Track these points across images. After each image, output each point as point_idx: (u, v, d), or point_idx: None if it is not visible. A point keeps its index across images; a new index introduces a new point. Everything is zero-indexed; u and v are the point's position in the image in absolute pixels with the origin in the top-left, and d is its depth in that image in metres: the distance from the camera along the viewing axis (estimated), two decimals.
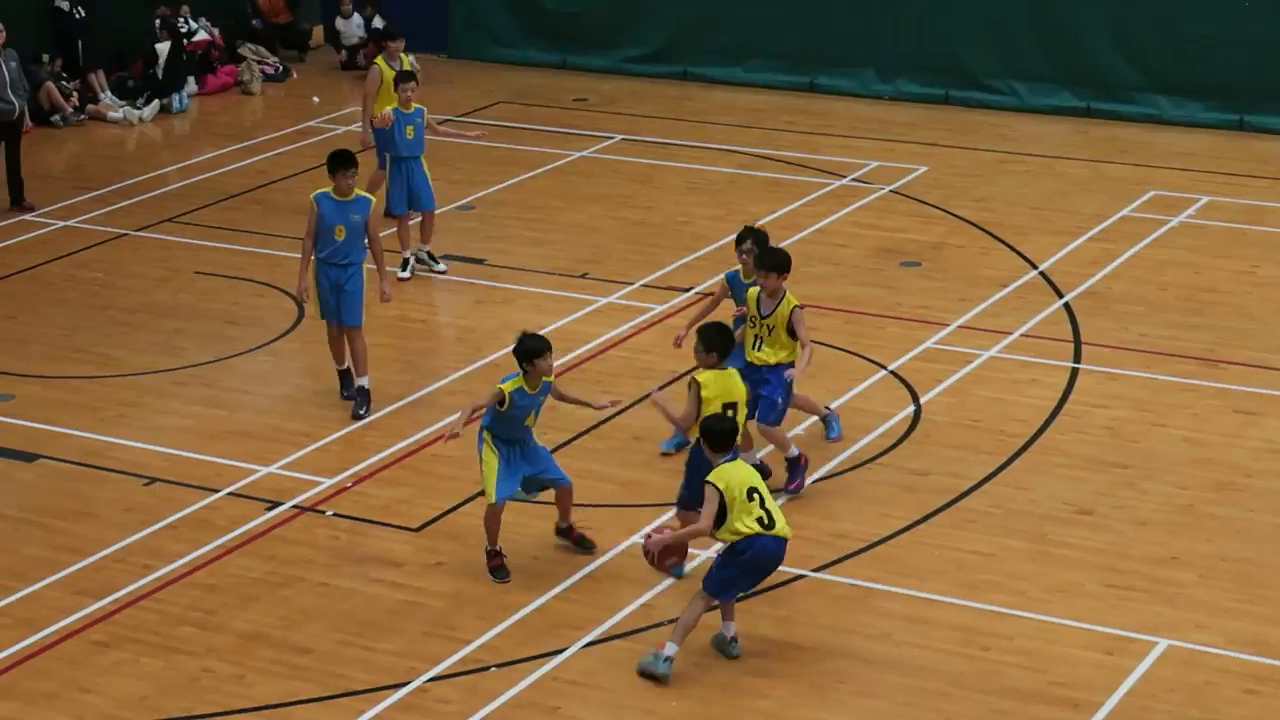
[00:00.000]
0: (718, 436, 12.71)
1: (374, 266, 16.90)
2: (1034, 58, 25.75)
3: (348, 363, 16.93)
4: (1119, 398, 16.82)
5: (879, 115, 25.89)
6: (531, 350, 13.77)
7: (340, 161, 16.53)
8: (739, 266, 15.54)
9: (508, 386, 13.75)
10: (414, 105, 19.88)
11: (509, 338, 18.04)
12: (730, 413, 13.57)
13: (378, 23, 28.69)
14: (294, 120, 26.35)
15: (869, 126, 25.32)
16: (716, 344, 13.78)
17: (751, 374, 14.66)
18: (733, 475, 12.46)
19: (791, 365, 14.83)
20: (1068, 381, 17.14)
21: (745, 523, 12.41)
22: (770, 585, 13.40)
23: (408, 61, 21.42)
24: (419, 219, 20.22)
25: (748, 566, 12.58)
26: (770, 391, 14.81)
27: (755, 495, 12.45)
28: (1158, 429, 16.23)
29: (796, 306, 14.88)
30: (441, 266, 20.07)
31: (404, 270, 19.87)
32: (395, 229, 19.97)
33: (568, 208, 22.05)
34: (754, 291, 15.02)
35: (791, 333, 14.82)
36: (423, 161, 19.96)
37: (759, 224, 17.54)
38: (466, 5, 29.04)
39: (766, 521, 12.44)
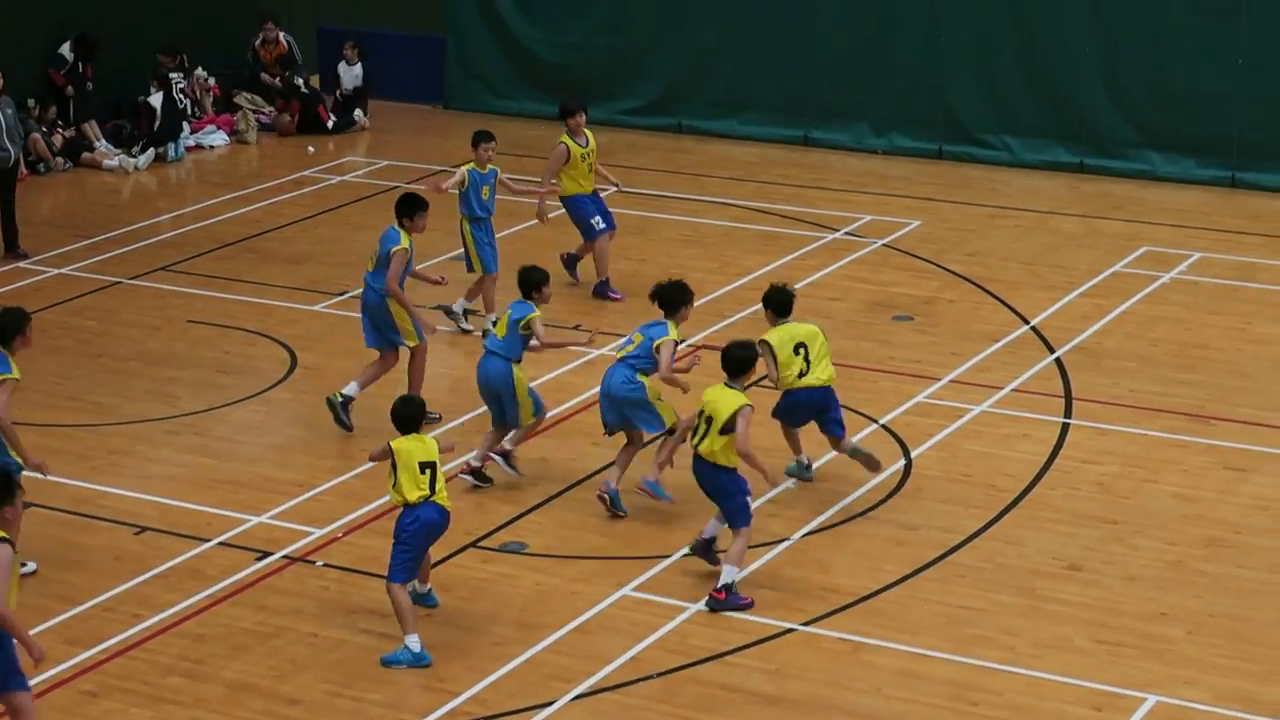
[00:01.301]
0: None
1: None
2: (1027, 113, 25.84)
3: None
4: (1110, 453, 16.84)
5: (873, 169, 25.97)
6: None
7: (419, 204, 17.29)
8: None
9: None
10: (489, 165, 19.80)
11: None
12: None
13: (358, 73, 28.76)
14: (289, 169, 26.41)
15: (863, 180, 25.40)
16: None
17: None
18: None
19: None
20: (1059, 436, 17.17)
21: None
22: (761, 638, 13.40)
23: (592, 138, 21.11)
24: (473, 276, 19.89)
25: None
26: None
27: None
28: (1148, 485, 16.25)
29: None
30: (469, 326, 19.94)
31: (464, 320, 19.86)
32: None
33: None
34: None
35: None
36: (491, 222, 19.94)
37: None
38: (463, 56, 29.14)
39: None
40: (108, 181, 26.11)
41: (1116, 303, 20.54)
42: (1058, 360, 18.94)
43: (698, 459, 14.45)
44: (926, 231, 23.13)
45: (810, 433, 16.12)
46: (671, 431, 15.68)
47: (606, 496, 15.77)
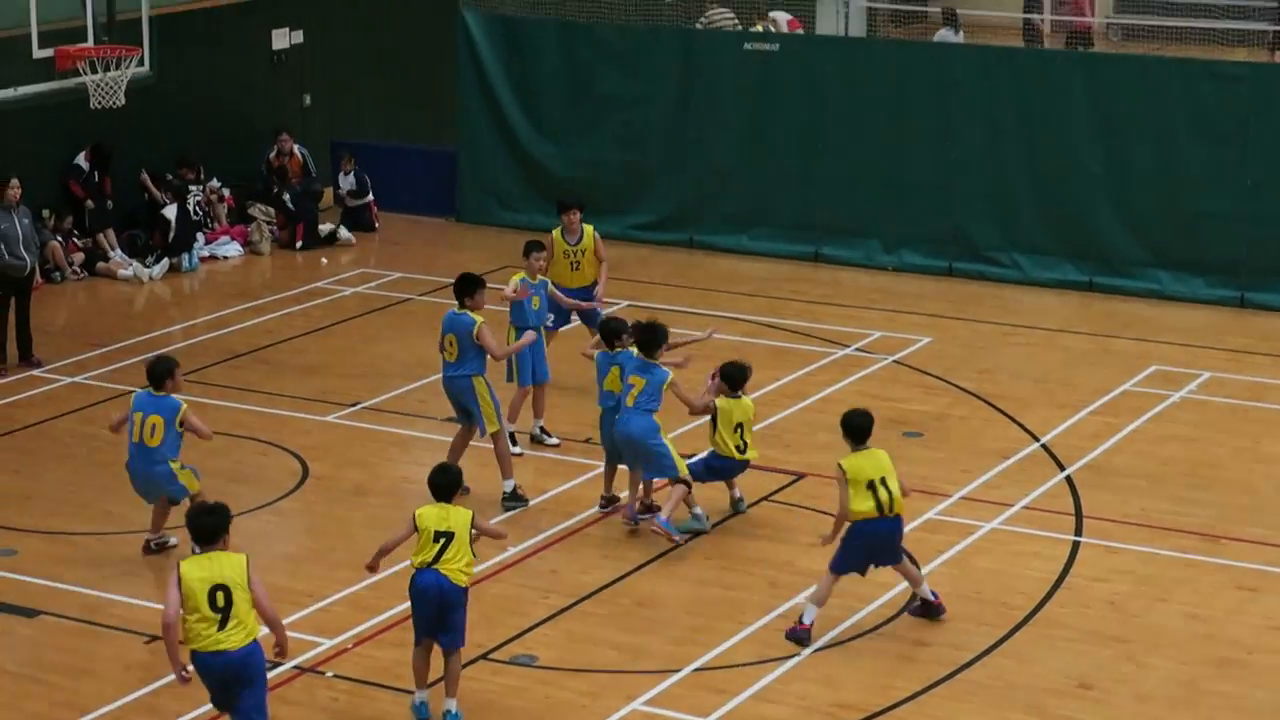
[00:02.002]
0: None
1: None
2: (1037, 232, 25.97)
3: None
4: (1121, 572, 16.84)
5: (883, 286, 26.08)
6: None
7: (478, 283, 18.19)
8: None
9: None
10: (539, 276, 19.97)
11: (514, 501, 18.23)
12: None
13: (352, 182, 28.99)
14: (301, 280, 26.54)
15: (873, 297, 25.50)
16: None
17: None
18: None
19: None
20: (1069, 554, 17.17)
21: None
22: None
23: (590, 234, 21.49)
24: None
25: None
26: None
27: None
28: (1159, 604, 16.23)
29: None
30: (554, 440, 19.92)
31: (513, 445, 19.26)
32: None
33: (574, 373, 22.10)
34: None
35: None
36: (543, 332, 20.08)
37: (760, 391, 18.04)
38: (475, 170, 29.33)
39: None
40: (122, 291, 26.24)
41: (1126, 421, 20.58)
42: (1068, 478, 18.96)
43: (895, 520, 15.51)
44: (937, 348, 23.20)
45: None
46: (685, 483, 17.15)
47: (657, 527, 17.08)
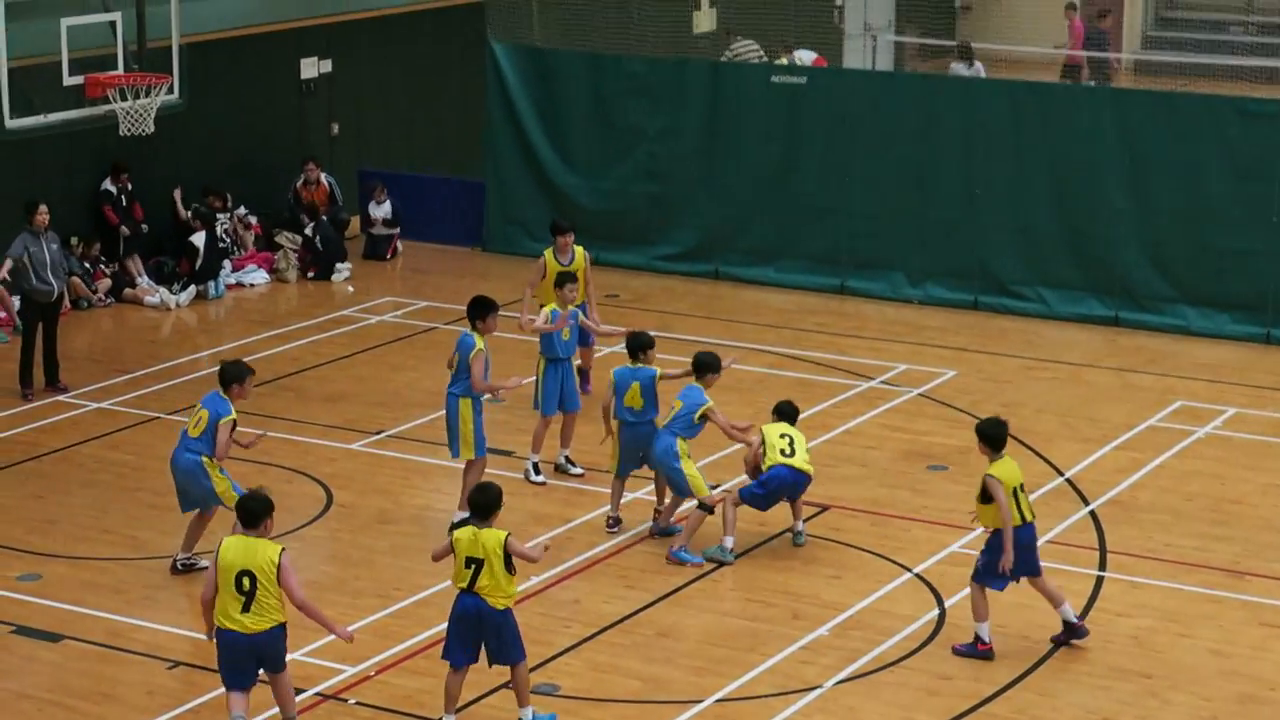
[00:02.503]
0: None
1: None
2: (1063, 266, 25.96)
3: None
4: (1144, 607, 16.81)
5: (908, 319, 26.08)
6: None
7: (490, 306, 18.40)
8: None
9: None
10: (570, 306, 20.07)
11: (537, 530, 18.27)
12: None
13: (388, 211, 29.12)
14: (327, 309, 26.61)
15: (898, 330, 25.50)
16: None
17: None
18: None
19: None
20: (1093, 589, 17.14)
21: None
22: None
23: (581, 255, 21.72)
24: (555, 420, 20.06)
25: None
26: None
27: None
28: (1183, 639, 16.20)
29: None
30: (578, 470, 19.95)
31: (536, 474, 19.67)
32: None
33: (596, 402, 22.15)
34: None
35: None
36: (573, 363, 20.18)
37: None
38: (502, 200, 29.39)
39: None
40: (149, 317, 26.33)
41: (1151, 456, 20.55)
42: (1092, 513, 18.94)
43: None
44: (962, 382, 23.20)
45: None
46: (706, 508, 17.45)
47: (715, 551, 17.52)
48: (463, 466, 18.50)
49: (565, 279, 20.25)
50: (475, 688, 14.71)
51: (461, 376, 18.24)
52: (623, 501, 18.49)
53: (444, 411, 18.65)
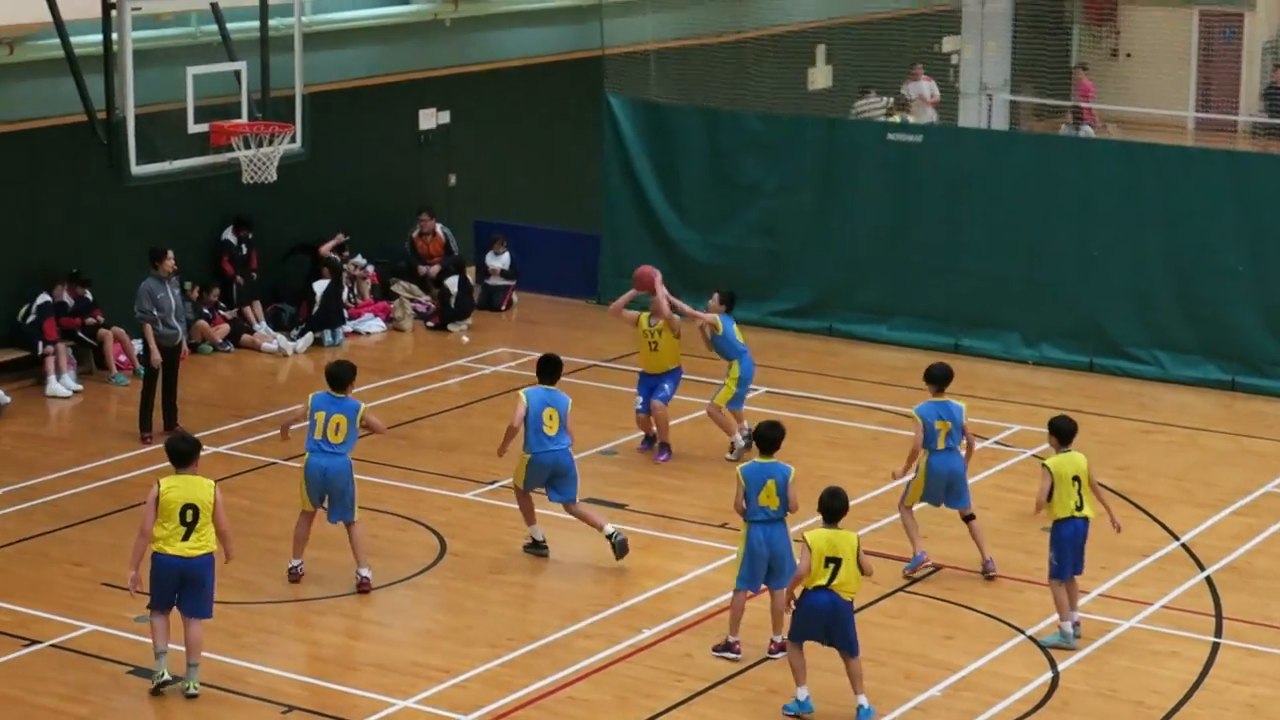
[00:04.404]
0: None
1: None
2: (1179, 330, 25.78)
3: None
4: (1260, 675, 16.64)
5: (1021, 379, 25.96)
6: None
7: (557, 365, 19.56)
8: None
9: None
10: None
11: (649, 583, 18.32)
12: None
13: (506, 262, 29.33)
14: (443, 358, 26.78)
15: (1011, 390, 25.39)
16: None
17: None
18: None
19: None
20: (1208, 656, 16.99)
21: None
22: None
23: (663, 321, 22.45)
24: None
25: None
26: None
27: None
28: None
29: None
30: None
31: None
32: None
33: (709, 456, 22.22)
34: None
35: None
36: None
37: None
38: (617, 253, 29.49)
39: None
40: (266, 363, 26.58)
41: (1268, 522, 20.36)
42: (1208, 578, 18.78)
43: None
44: (1076, 444, 22.95)
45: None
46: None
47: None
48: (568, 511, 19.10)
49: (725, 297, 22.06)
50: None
51: (563, 429, 18.91)
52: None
53: (539, 468, 18.85)
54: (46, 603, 17.90)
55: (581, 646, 16.93)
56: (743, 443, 21.74)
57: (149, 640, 16.27)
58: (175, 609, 15.96)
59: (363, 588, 18.12)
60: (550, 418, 18.73)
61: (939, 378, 18.89)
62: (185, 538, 15.64)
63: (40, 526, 19.98)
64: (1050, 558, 17.04)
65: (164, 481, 15.77)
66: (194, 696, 15.90)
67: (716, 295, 22.45)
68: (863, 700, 15.51)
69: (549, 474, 18.77)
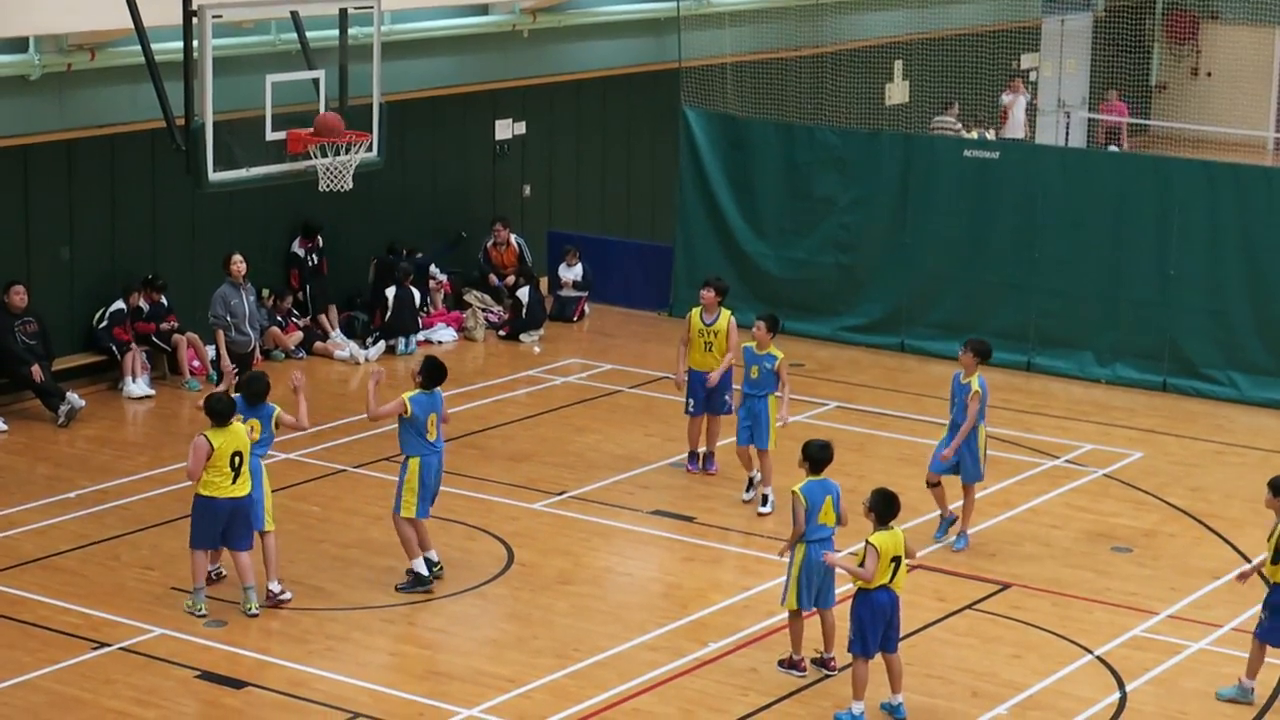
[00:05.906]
0: None
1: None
2: (1256, 351, 25.60)
3: None
4: None
5: (1095, 398, 25.83)
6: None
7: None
8: None
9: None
10: (767, 349, 20.81)
11: (715, 596, 18.31)
12: None
13: (579, 273, 29.39)
14: (514, 369, 26.82)
15: (1084, 409, 25.26)
16: None
17: None
18: None
19: None
20: (1278, 681, 16.84)
21: None
22: None
23: (726, 317, 21.83)
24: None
25: None
26: None
27: None
28: None
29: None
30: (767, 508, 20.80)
31: (760, 499, 21.03)
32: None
33: (779, 471, 22.10)
34: None
35: None
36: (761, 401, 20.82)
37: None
38: (690, 266, 29.47)
39: None
40: (338, 371, 26.68)
41: None
42: None
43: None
44: (1148, 464, 22.92)
45: None
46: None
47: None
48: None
49: (774, 324, 21.02)
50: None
51: None
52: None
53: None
54: (117, 606, 18.01)
55: (647, 659, 16.92)
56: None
57: (220, 647, 16.33)
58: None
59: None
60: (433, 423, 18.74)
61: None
62: (234, 480, 17.30)
63: (112, 530, 20.11)
64: (1264, 619, 16.38)
65: (212, 437, 17.24)
66: (255, 615, 17.59)
67: (763, 323, 21.02)
68: (900, 699, 15.71)
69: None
